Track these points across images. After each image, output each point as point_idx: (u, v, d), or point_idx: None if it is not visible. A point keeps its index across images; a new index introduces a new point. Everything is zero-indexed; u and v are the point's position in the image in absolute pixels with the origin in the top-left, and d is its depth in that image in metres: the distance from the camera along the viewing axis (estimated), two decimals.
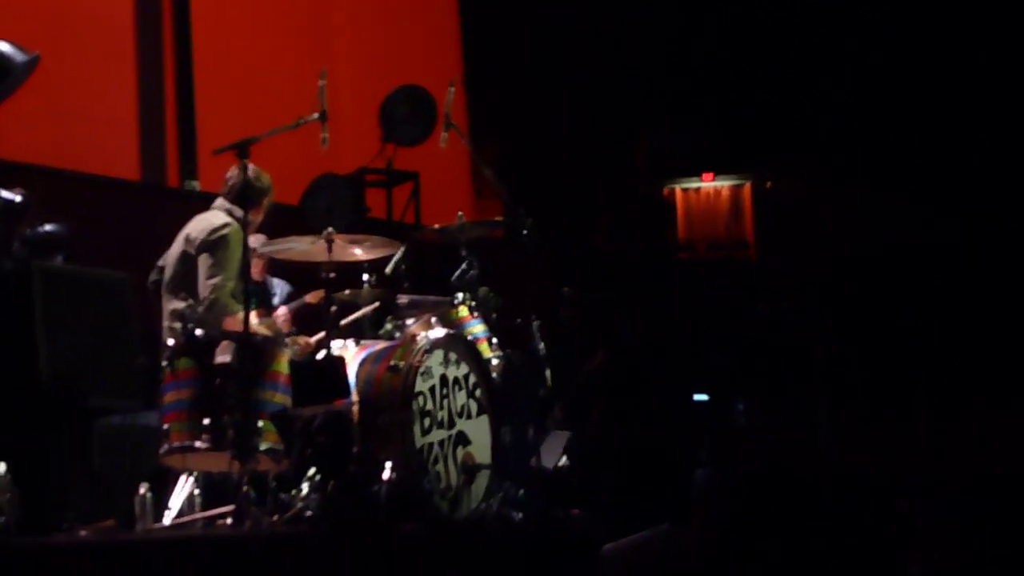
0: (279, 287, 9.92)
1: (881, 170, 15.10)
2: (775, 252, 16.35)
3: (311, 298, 9.46)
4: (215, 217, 7.85)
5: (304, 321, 9.23)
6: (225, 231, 7.73)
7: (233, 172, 7.87)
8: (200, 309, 7.51)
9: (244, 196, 7.55)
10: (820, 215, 15.82)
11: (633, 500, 8.22)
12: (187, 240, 7.83)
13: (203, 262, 7.69)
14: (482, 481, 7.45)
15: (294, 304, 9.67)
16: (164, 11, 12.12)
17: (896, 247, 14.40)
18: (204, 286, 7.63)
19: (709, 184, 17.06)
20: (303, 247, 7.64)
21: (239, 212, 7.74)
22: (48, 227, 8.38)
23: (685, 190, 17.06)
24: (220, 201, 7.93)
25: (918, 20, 14.92)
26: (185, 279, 7.75)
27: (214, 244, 7.70)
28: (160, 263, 8.00)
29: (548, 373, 8.27)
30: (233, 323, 7.45)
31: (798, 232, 15.98)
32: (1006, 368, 11.21)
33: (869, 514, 4.99)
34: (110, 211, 10.77)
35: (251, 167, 7.51)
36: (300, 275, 9.43)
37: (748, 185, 17.07)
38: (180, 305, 7.63)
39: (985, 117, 14.60)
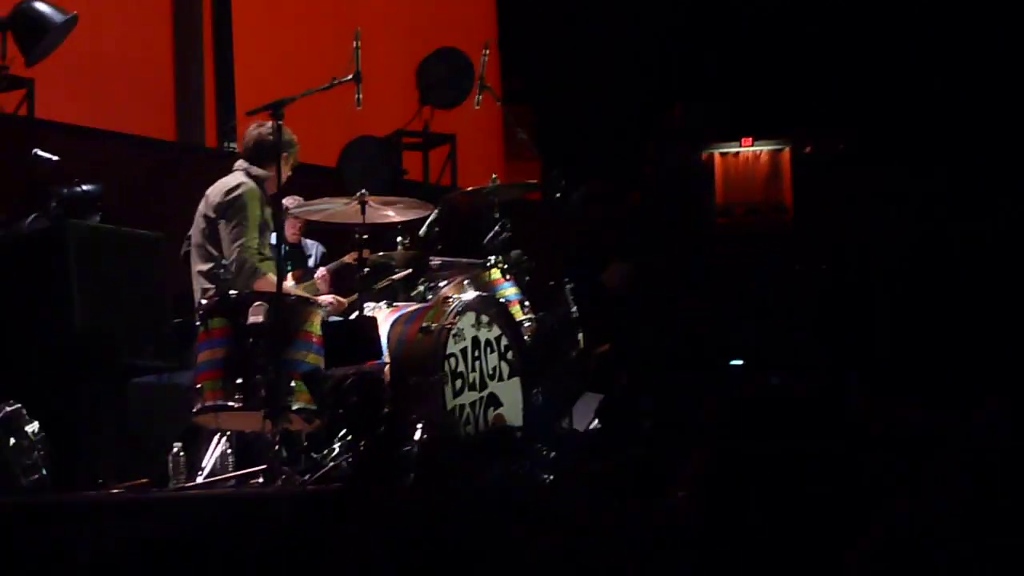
0: (314, 248, 9.95)
1: (919, 137, 14.99)
2: (813, 217, 16.28)
3: (349, 259, 9.48)
4: (231, 178, 7.89)
5: (338, 282, 9.27)
6: (240, 191, 7.77)
7: (249, 130, 7.94)
8: (230, 271, 7.56)
9: (263, 152, 7.63)
10: (859, 180, 15.73)
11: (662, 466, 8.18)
12: (206, 203, 7.87)
13: (224, 226, 7.73)
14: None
15: (333, 265, 9.69)
16: None
17: (931, 216, 14.30)
18: (229, 249, 7.67)
19: (748, 149, 17.00)
20: (337, 209, 7.65)
21: (256, 171, 7.81)
22: (84, 186, 8.44)
23: (724, 155, 16.99)
24: (239, 162, 7.98)
25: None
26: (209, 241, 7.79)
27: (230, 205, 7.74)
28: (190, 232, 8.05)
29: (580, 336, 8.27)
30: (265, 285, 7.50)
31: (836, 197, 15.90)
32: None
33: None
34: (147, 171, 10.84)
35: (268, 125, 7.54)
36: (334, 236, 9.45)
37: (787, 150, 16.99)
38: (207, 267, 7.68)
39: None
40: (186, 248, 8.05)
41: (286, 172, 7.95)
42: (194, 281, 7.85)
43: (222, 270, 7.47)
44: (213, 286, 7.53)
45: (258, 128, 7.75)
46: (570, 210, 9.44)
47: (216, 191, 7.87)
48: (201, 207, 7.91)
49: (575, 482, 7.05)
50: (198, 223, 7.90)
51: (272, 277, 7.25)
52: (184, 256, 8.04)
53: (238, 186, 7.80)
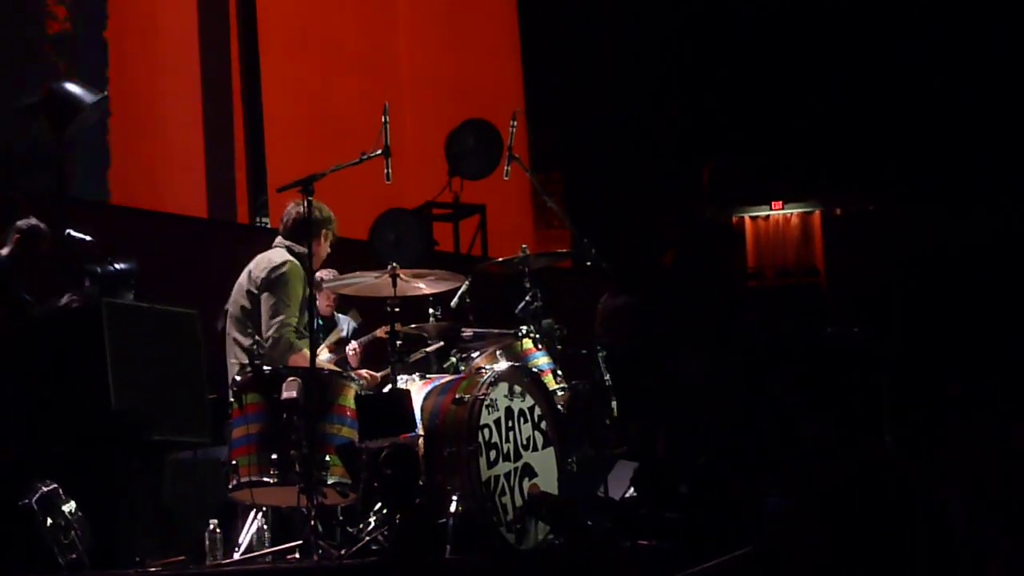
0: (345, 323, 9.98)
1: (949, 191, 15.00)
2: (845, 278, 16.27)
3: (381, 333, 9.49)
4: (275, 255, 7.94)
5: (371, 356, 9.28)
6: (284, 269, 7.82)
7: (289, 208, 7.99)
8: (266, 347, 7.60)
9: (302, 230, 7.65)
10: (890, 239, 15.71)
11: (701, 530, 8.17)
12: (249, 279, 7.93)
13: (265, 301, 7.79)
14: None
15: (364, 339, 9.71)
16: (231, 50, 12.23)
17: (966, 266, 14.27)
18: (267, 324, 7.72)
19: (778, 212, 17.01)
20: (368, 282, 7.69)
21: (299, 248, 7.85)
22: (118, 264, 8.49)
23: (754, 218, 17.02)
24: (279, 239, 8.03)
25: (976, 48, 14.86)
26: (249, 316, 7.84)
27: (274, 282, 7.80)
28: (227, 306, 8.08)
29: (613, 403, 8.27)
30: (299, 360, 7.54)
31: (868, 257, 15.89)
32: None
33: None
34: (179, 248, 10.89)
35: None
36: (366, 310, 9.48)
37: (817, 212, 17.00)
38: (246, 341, 7.73)
39: None
40: (223, 324, 8.10)
41: (325, 248, 8.01)
42: (229, 352, 7.89)
43: (256, 346, 7.52)
44: (249, 361, 7.58)
45: (297, 206, 7.79)
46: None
47: (260, 267, 7.92)
48: (243, 281, 7.96)
49: None
50: (238, 298, 7.95)
51: (307, 352, 7.29)
52: (222, 331, 8.09)
53: (283, 263, 7.85)
